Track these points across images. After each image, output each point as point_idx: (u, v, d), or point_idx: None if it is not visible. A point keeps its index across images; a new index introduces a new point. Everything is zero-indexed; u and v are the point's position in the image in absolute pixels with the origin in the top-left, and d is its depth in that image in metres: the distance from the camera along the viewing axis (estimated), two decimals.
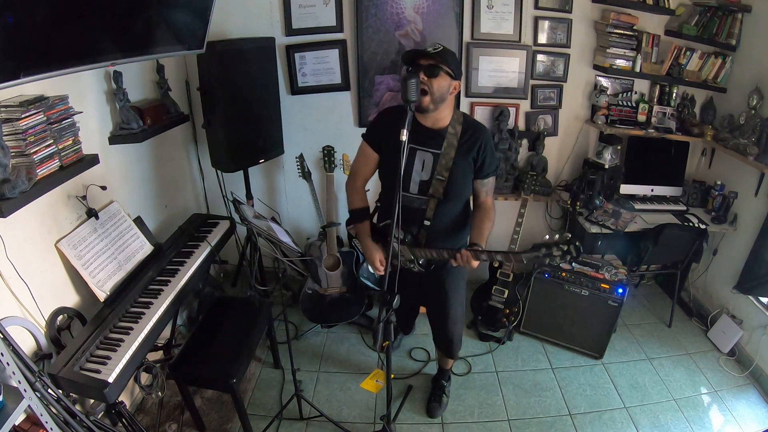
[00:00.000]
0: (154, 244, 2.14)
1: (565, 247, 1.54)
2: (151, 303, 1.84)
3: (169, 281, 1.98)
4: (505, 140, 2.91)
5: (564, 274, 2.62)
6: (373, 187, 1.99)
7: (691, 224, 2.75)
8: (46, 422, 1.32)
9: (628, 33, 2.72)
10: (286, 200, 3.20)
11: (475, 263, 1.73)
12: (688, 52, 2.78)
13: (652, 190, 2.97)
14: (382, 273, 1.73)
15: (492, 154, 1.80)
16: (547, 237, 1.60)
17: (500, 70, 2.85)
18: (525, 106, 2.97)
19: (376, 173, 1.94)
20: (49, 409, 1.34)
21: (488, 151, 1.78)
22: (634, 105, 2.92)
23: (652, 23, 2.79)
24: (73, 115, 1.72)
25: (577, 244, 1.53)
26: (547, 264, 1.61)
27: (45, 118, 1.57)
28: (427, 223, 1.83)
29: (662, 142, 2.88)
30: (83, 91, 1.89)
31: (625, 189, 2.95)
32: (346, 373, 2.58)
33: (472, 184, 1.84)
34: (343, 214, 2.86)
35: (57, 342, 1.66)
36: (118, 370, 1.50)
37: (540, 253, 1.58)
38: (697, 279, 3.13)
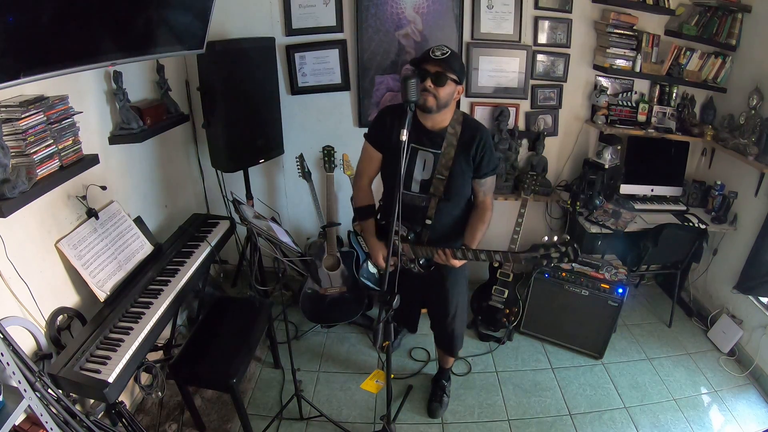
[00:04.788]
0: (154, 244, 2.14)
1: (563, 249, 1.56)
2: (151, 303, 1.84)
3: (169, 281, 1.98)
4: (505, 140, 2.91)
5: (564, 274, 2.62)
6: (375, 188, 2.00)
7: (691, 224, 2.75)
8: (46, 422, 1.32)
9: (628, 33, 2.72)
10: (286, 200, 3.20)
11: (456, 262, 1.77)
12: (688, 52, 2.78)
13: (652, 190, 2.97)
14: (382, 266, 1.76)
15: (491, 154, 1.80)
16: (546, 238, 1.61)
17: (500, 70, 2.85)
18: (525, 106, 2.97)
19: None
20: (49, 409, 1.34)
21: (487, 150, 1.78)
22: (634, 105, 2.92)
23: (652, 23, 2.79)
24: (73, 115, 1.72)
25: (575, 246, 1.55)
26: (545, 265, 1.64)
27: (45, 118, 1.57)
28: (428, 222, 1.84)
29: (662, 142, 2.88)
30: (83, 91, 1.89)
31: (625, 189, 2.95)
32: (346, 373, 2.58)
33: (471, 184, 1.85)
34: (343, 214, 2.87)
35: (57, 342, 1.66)
36: (118, 370, 1.50)
37: (538, 254, 1.60)
38: (697, 279, 3.13)
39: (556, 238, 1.59)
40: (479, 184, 1.85)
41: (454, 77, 1.65)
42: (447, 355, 2.32)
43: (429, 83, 1.64)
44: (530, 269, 2.71)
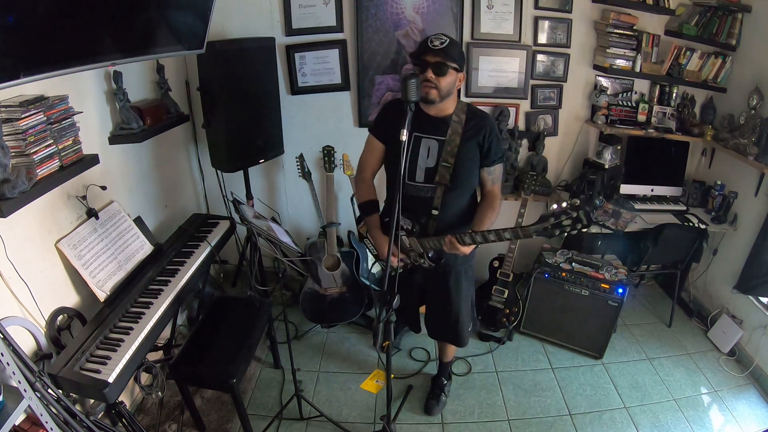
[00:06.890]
0: (154, 244, 2.14)
1: (574, 214, 1.41)
2: (151, 303, 1.84)
3: (169, 281, 1.98)
4: (505, 140, 2.90)
5: (564, 274, 2.62)
6: (379, 184, 2.00)
7: (691, 224, 2.75)
8: (46, 422, 1.32)
9: (628, 33, 2.72)
10: (286, 200, 3.20)
11: (465, 249, 1.69)
12: (688, 52, 2.78)
13: (652, 190, 2.97)
14: (395, 264, 1.69)
15: (498, 141, 1.81)
16: (555, 206, 1.45)
17: (500, 70, 2.85)
18: (525, 106, 2.97)
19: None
20: (49, 409, 1.34)
21: (494, 137, 1.79)
22: (634, 105, 2.92)
23: (652, 23, 2.79)
24: (73, 115, 1.72)
25: (587, 209, 1.41)
26: (557, 234, 1.46)
27: (45, 118, 1.57)
28: (435, 212, 1.82)
29: (662, 142, 2.88)
30: (83, 91, 1.89)
31: (625, 189, 2.94)
32: (346, 373, 2.58)
33: (479, 173, 1.84)
34: (343, 214, 2.87)
35: (57, 342, 1.66)
36: (118, 370, 1.50)
37: (548, 224, 1.45)
38: (697, 279, 3.13)
39: (565, 204, 1.44)
40: (488, 172, 1.84)
41: (455, 65, 1.65)
42: (453, 345, 2.26)
43: (430, 74, 1.63)
44: (532, 268, 2.71)
